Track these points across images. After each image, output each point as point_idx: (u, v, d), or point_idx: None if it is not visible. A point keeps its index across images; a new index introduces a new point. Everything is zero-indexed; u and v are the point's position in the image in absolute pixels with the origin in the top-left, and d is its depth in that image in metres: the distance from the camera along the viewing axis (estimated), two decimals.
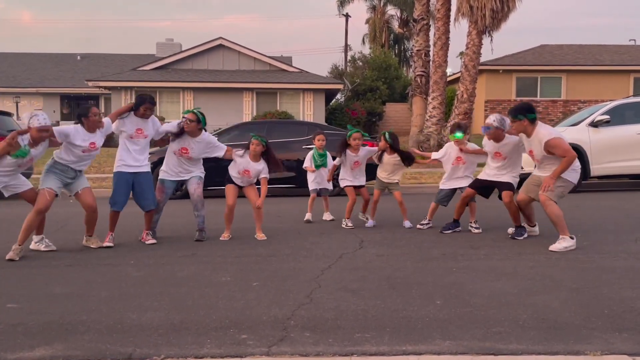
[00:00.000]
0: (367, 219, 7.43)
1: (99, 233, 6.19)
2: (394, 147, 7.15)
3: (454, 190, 6.90)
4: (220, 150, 6.55)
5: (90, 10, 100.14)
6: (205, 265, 5.10)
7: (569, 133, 11.26)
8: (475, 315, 3.55)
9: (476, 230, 6.64)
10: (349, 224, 7.25)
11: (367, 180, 7.64)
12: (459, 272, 4.70)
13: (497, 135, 6.18)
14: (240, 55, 26.66)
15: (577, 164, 5.67)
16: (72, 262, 5.32)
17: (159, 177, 6.60)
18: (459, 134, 6.67)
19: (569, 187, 5.71)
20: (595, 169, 11.01)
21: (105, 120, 6.09)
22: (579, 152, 10.94)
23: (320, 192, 7.98)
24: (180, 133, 6.42)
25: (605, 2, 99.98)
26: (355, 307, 3.74)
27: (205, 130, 6.57)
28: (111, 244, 6.14)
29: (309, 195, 7.95)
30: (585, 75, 25.41)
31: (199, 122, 6.39)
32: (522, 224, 6.25)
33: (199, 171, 6.58)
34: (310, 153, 8.02)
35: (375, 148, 7.47)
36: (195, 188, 6.46)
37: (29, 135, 5.48)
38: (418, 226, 6.98)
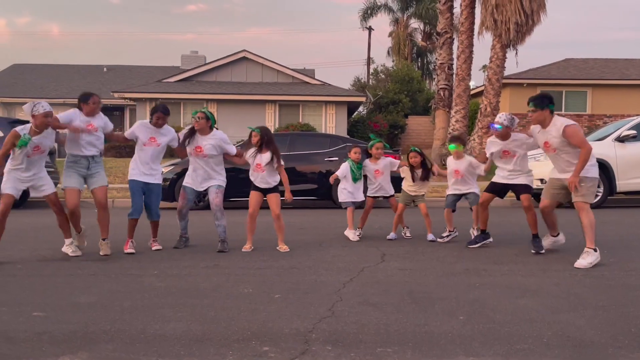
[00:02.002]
0: (404, 232, 7.35)
1: (117, 244, 6.26)
2: (424, 163, 7.18)
3: (459, 195, 6.94)
4: (231, 147, 6.70)
5: (117, 23, 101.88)
6: (227, 277, 5.13)
7: (594, 148, 11.15)
8: (498, 332, 3.51)
9: (476, 233, 6.69)
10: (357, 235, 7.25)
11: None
12: (482, 288, 4.65)
13: (505, 133, 6.21)
14: (264, 68, 26.87)
15: (592, 157, 5.64)
16: (96, 272, 5.38)
17: (183, 184, 6.77)
18: (452, 145, 6.87)
19: (596, 182, 5.67)
20: (622, 184, 10.85)
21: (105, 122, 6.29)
22: (605, 168, 10.81)
23: (354, 205, 7.54)
24: (192, 133, 6.55)
25: (632, 16, 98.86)
26: (377, 321, 3.72)
27: (217, 129, 6.71)
28: (132, 251, 6.30)
29: (331, 207, 7.91)
30: (611, 89, 25.11)
31: (208, 119, 6.54)
32: (538, 236, 6.20)
33: (220, 179, 6.65)
34: (347, 165, 7.54)
35: (397, 161, 7.48)
36: (214, 197, 6.53)
37: (29, 125, 5.85)
38: (439, 240, 6.94)
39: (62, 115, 6.01)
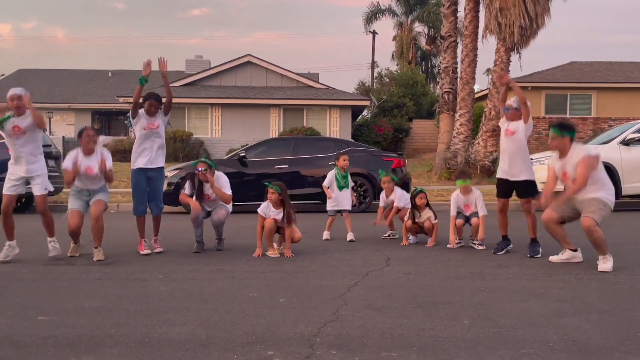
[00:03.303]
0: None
1: (122, 248, 6.28)
2: (428, 204, 7.26)
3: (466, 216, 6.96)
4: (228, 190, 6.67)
5: (122, 28, 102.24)
6: (231, 281, 5.13)
7: (600, 151, 11.12)
8: (503, 336, 3.50)
9: (479, 247, 6.69)
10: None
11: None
12: (487, 292, 4.64)
13: (515, 115, 6.28)
14: (268, 72, 26.90)
15: (611, 186, 5.60)
16: (101, 276, 5.39)
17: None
18: (459, 181, 6.84)
19: (609, 210, 5.55)
20: (627, 187, 10.82)
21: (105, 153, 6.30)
22: (610, 171, 10.77)
23: (341, 212, 7.86)
24: (199, 184, 6.58)
25: (637, 19, 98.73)
26: (381, 325, 3.72)
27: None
28: (148, 251, 6.43)
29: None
30: (616, 92, 25.04)
31: (211, 168, 6.58)
32: (537, 241, 6.19)
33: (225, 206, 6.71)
34: (332, 173, 7.84)
35: (407, 197, 7.62)
36: (219, 217, 6.61)
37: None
38: (448, 246, 6.90)
39: (65, 161, 6.17)
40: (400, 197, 7.60)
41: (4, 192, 6.09)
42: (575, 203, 5.61)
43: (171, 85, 27.29)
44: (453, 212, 6.87)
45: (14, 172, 6.13)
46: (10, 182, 6.12)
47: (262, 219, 6.39)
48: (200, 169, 6.47)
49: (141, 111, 6.54)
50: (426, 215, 7.15)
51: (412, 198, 7.25)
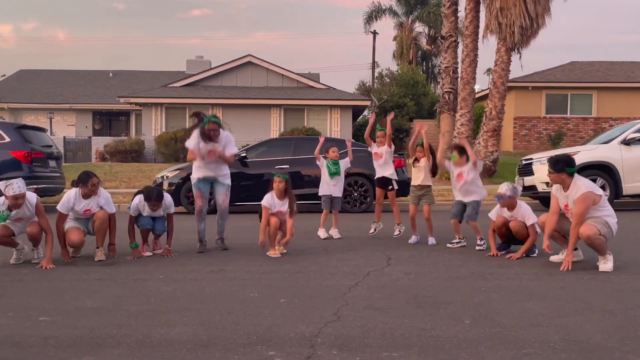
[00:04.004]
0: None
1: (124, 248, 6.29)
2: (431, 150, 7.35)
3: (464, 205, 6.90)
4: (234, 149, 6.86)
5: (122, 29, 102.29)
6: (232, 282, 5.13)
7: (600, 151, 11.12)
8: (504, 336, 3.50)
9: (478, 248, 6.70)
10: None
11: (398, 195, 7.71)
12: (488, 292, 4.64)
13: (510, 203, 6.24)
14: (269, 72, 26.93)
15: (612, 215, 5.56)
16: (103, 277, 5.39)
17: (193, 183, 6.91)
18: (454, 155, 6.93)
19: (611, 234, 5.52)
20: (628, 187, 10.82)
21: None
22: (611, 171, 10.79)
23: (332, 207, 7.97)
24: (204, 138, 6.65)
25: (638, 19, 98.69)
26: (382, 326, 3.72)
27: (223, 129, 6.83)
28: (149, 254, 6.54)
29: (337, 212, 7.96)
30: (617, 92, 25.05)
31: (219, 127, 6.69)
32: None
33: (227, 178, 6.82)
34: (324, 162, 8.05)
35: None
36: (223, 199, 6.77)
37: (6, 200, 5.79)
38: (448, 245, 6.92)
39: (61, 206, 6.11)
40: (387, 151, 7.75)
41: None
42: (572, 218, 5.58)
43: (171, 85, 27.10)
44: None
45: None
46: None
47: (266, 211, 6.39)
48: (209, 128, 6.56)
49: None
50: (423, 167, 7.30)
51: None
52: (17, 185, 5.73)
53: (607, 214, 5.54)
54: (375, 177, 7.84)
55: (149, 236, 6.66)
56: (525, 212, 6.24)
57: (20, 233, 6.08)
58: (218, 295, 4.62)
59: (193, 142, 6.63)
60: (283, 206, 6.41)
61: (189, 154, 6.74)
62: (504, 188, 6.23)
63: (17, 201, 5.79)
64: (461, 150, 6.92)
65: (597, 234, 5.34)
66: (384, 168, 7.68)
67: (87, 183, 6.07)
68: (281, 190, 6.39)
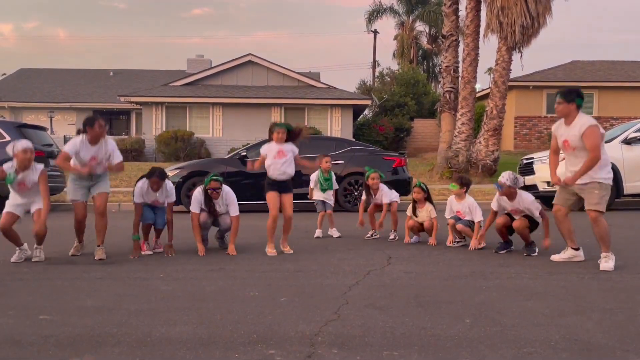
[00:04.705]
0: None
1: (124, 248, 6.28)
2: (429, 199, 7.25)
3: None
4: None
5: (123, 28, 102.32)
6: (233, 280, 5.13)
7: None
8: (505, 335, 3.49)
9: (479, 247, 6.65)
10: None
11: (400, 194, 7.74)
12: (489, 291, 4.63)
13: (509, 193, 6.18)
14: (269, 71, 26.91)
15: (608, 163, 5.54)
16: (103, 275, 5.39)
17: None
18: (453, 185, 6.94)
19: (609, 191, 5.54)
20: (629, 187, 10.80)
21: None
22: (612, 170, 10.76)
23: (325, 208, 8.01)
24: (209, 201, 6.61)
25: (638, 19, 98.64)
26: (383, 325, 3.71)
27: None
28: (149, 252, 6.52)
29: (336, 211, 8.00)
30: (618, 91, 25.03)
31: (221, 184, 6.64)
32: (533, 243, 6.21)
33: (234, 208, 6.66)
34: (316, 175, 8.04)
35: (395, 193, 7.72)
36: (228, 223, 6.65)
37: (15, 164, 5.91)
38: (448, 244, 6.91)
39: (67, 146, 6.07)
40: (387, 194, 7.58)
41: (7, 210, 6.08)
42: (575, 189, 5.57)
43: (172, 84, 27.07)
44: (447, 215, 7.01)
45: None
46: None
47: (271, 202, 6.43)
48: (214, 188, 6.46)
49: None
50: (426, 211, 7.14)
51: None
52: (25, 141, 6.00)
53: (603, 169, 5.48)
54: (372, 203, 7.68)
55: (149, 234, 6.65)
56: (526, 201, 6.17)
57: (25, 209, 6.11)
58: (218, 294, 4.62)
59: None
60: (284, 148, 6.44)
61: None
62: (504, 177, 6.16)
63: (26, 155, 5.89)
64: (463, 183, 6.91)
65: (600, 216, 5.38)
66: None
67: (93, 125, 6.03)
68: (281, 139, 6.45)
